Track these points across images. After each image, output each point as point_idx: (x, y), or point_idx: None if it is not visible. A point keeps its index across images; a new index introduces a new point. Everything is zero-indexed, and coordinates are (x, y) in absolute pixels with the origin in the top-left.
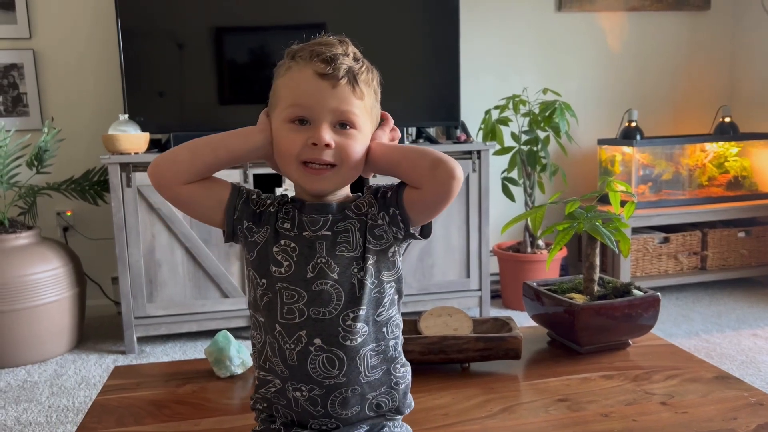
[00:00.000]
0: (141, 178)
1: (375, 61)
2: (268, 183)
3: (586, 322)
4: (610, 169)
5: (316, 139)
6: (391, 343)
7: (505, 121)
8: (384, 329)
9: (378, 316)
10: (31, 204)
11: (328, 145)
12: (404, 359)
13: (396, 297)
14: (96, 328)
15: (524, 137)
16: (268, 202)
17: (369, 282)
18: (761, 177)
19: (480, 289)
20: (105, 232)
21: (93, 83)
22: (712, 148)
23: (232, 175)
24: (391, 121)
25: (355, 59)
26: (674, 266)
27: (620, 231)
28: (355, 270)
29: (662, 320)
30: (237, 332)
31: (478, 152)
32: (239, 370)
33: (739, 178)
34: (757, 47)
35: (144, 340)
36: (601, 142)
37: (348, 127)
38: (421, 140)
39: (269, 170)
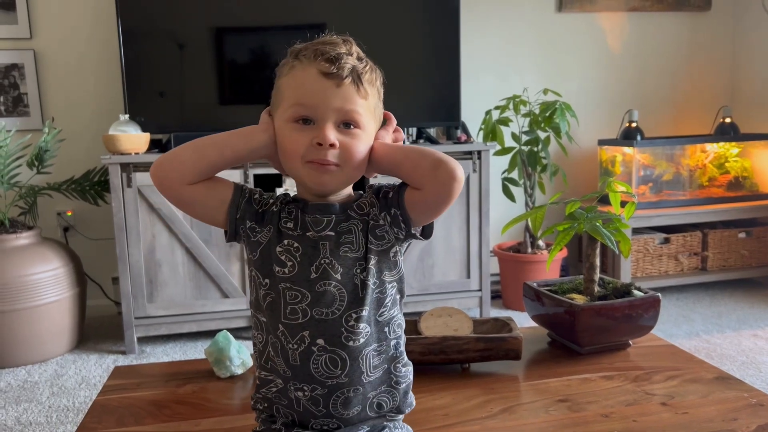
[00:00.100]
0: (141, 178)
1: (375, 61)
2: (268, 183)
3: (587, 323)
4: (610, 169)
5: (321, 139)
6: (393, 342)
7: (505, 122)
8: (386, 329)
9: (380, 316)
10: (32, 204)
11: (332, 145)
12: (406, 359)
13: (398, 297)
14: (96, 328)
15: (525, 137)
16: (271, 201)
17: (371, 282)
18: (762, 178)
19: (480, 290)
20: (105, 232)
21: (93, 83)
22: (713, 148)
23: (233, 176)
24: (395, 122)
25: (359, 59)
26: (675, 267)
27: (620, 231)
28: (358, 270)
29: (662, 321)
30: (237, 332)
31: (479, 152)
32: (239, 371)
33: (739, 179)
34: (757, 48)
35: (144, 340)
36: (602, 142)
37: (352, 127)
38: (421, 140)
39: (270, 170)
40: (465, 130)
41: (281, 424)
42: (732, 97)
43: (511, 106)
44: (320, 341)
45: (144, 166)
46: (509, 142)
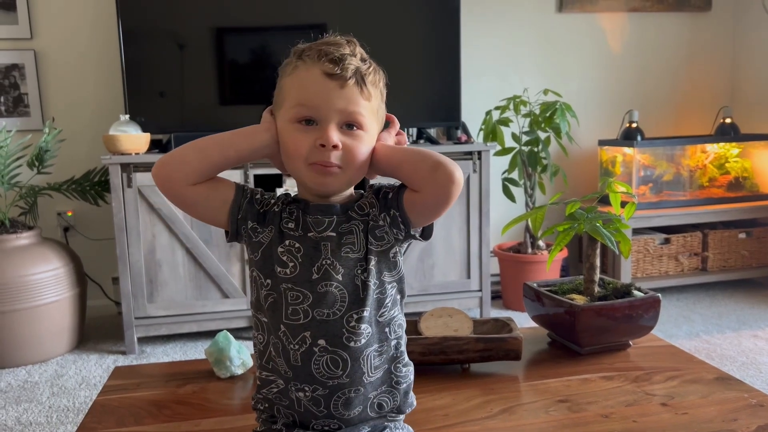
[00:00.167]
0: (142, 178)
1: (376, 61)
2: (268, 183)
3: (587, 323)
4: (610, 169)
5: (324, 141)
6: (394, 343)
7: (505, 122)
8: (386, 330)
9: (380, 316)
10: (32, 204)
11: (335, 147)
12: (407, 359)
13: (398, 297)
14: (96, 328)
15: (525, 138)
16: (272, 201)
17: (372, 283)
18: (762, 178)
19: (480, 290)
20: (106, 233)
21: (94, 83)
22: (713, 149)
23: (233, 176)
24: (398, 125)
25: (363, 60)
26: (675, 267)
27: (621, 232)
28: (359, 271)
29: (663, 321)
30: (237, 333)
31: (479, 153)
32: (239, 371)
33: (739, 179)
34: (758, 48)
35: (144, 340)
36: (602, 142)
37: (355, 128)
38: (421, 141)
39: (270, 171)
40: (465, 131)
41: (282, 425)
42: (732, 97)
43: (511, 106)
44: (321, 342)
45: (144, 167)
46: (509, 142)
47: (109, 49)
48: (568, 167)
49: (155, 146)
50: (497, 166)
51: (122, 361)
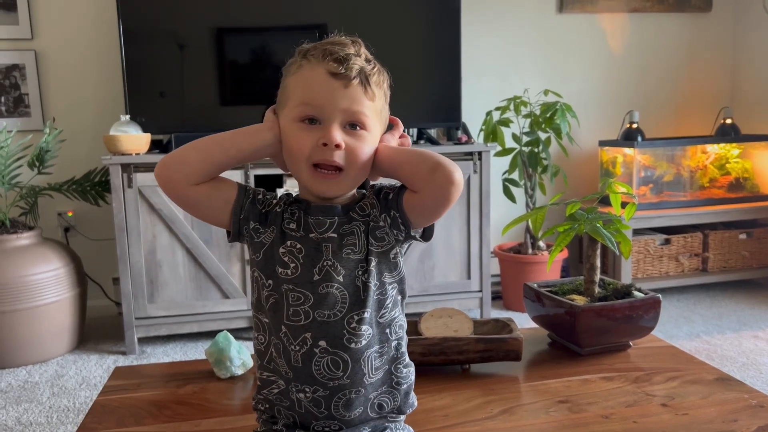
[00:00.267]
0: (142, 178)
1: (380, 62)
2: (269, 184)
3: (587, 324)
4: (611, 170)
5: (326, 140)
6: (394, 344)
7: (506, 123)
8: (387, 330)
9: (381, 317)
10: (33, 204)
11: (338, 146)
12: (408, 359)
13: (399, 298)
14: (97, 328)
15: (525, 138)
16: (274, 201)
17: (372, 284)
18: (762, 179)
19: (481, 291)
20: (106, 233)
21: (94, 84)
22: (714, 149)
23: (233, 177)
24: (401, 127)
25: (367, 60)
26: (675, 268)
27: (621, 232)
28: (360, 272)
29: (663, 322)
30: (238, 333)
31: (479, 153)
32: (240, 371)
33: (740, 180)
34: (758, 48)
35: (145, 340)
36: (603, 143)
37: (358, 128)
38: (422, 141)
39: (271, 171)
40: (466, 131)
41: (282, 425)
42: (733, 98)
43: (511, 106)
44: (322, 343)
45: (145, 167)
46: (510, 142)
47: (109, 49)
48: (568, 168)
49: (156, 146)
50: (498, 166)
51: (122, 361)
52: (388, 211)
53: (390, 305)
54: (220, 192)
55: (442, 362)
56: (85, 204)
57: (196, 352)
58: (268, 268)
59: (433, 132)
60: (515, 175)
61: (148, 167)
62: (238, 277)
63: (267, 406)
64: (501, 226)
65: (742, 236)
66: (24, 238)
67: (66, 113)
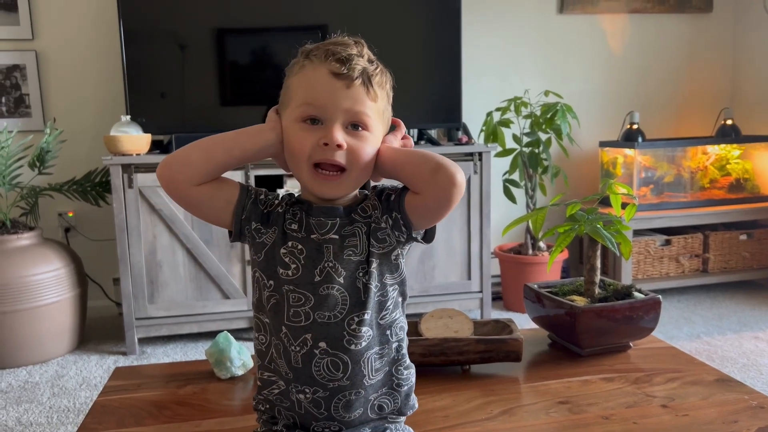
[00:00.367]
0: (143, 179)
1: (382, 63)
2: (270, 184)
3: (587, 325)
4: (611, 171)
5: (328, 139)
6: (395, 345)
7: (506, 123)
8: (388, 332)
9: (381, 319)
10: (33, 205)
11: (339, 146)
12: (408, 361)
13: (400, 299)
14: (97, 329)
15: (526, 139)
16: (276, 202)
17: (373, 286)
18: (763, 179)
19: (481, 291)
20: (106, 233)
21: (95, 84)
22: (714, 150)
23: (234, 177)
24: (404, 128)
25: (370, 61)
26: (675, 269)
27: (621, 233)
28: (361, 274)
29: (663, 323)
30: (238, 333)
31: (480, 154)
32: (240, 372)
33: (740, 181)
34: (758, 49)
35: (145, 341)
36: (603, 144)
37: (360, 129)
38: (422, 142)
39: (271, 171)
40: (466, 132)
41: (282, 426)
42: (733, 98)
43: (512, 107)
44: (322, 344)
45: (145, 167)
46: (510, 143)
47: (110, 49)
48: (568, 168)
49: (156, 147)
50: (498, 167)
51: (123, 361)
52: (389, 212)
53: (391, 307)
54: (222, 192)
55: (443, 363)
56: (85, 204)
57: (197, 352)
58: (269, 268)
59: (433, 132)
60: (516, 176)
61: (149, 168)
62: (238, 277)
63: (267, 406)
64: (501, 226)
65: (743, 237)
66: (24, 239)
67: (66, 113)
